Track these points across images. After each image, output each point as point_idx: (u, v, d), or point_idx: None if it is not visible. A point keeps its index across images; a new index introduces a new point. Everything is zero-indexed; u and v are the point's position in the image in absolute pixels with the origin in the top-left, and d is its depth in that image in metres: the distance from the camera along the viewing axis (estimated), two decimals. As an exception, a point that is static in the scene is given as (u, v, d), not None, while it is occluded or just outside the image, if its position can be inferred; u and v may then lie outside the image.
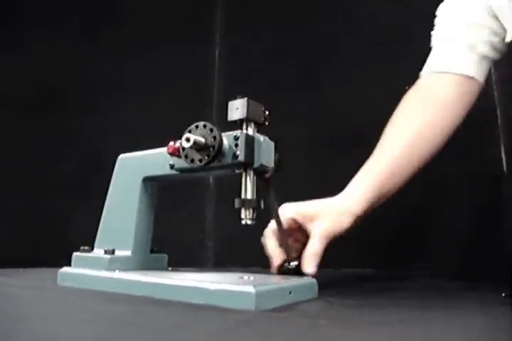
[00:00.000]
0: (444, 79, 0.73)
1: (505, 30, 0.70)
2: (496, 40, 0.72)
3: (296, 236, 0.66)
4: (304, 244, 0.63)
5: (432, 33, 0.77)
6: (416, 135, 0.72)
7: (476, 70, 0.73)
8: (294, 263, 0.60)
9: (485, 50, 0.72)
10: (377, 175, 0.69)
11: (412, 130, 0.72)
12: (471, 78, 0.73)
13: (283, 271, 0.61)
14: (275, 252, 0.62)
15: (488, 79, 1.08)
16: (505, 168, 1.03)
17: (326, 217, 0.63)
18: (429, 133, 0.72)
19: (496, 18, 0.70)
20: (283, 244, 0.62)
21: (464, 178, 1.04)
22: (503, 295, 0.58)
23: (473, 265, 0.95)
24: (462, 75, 0.72)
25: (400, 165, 0.70)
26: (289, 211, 0.66)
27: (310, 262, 0.59)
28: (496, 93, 1.07)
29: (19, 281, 0.67)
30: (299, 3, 1.27)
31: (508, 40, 0.69)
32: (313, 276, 0.59)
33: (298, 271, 0.60)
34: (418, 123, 0.72)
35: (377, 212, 1.09)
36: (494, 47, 0.73)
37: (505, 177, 1.02)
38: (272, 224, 0.65)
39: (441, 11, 0.76)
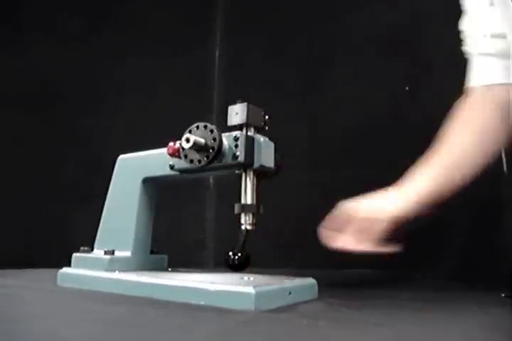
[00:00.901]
0: (493, 91, 0.76)
1: None
2: None
3: None
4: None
5: (465, 47, 0.80)
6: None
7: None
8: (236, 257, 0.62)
9: None
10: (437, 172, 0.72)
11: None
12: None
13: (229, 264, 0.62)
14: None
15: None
16: (505, 168, 1.03)
17: (392, 206, 0.66)
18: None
19: None
20: None
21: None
22: (503, 295, 0.58)
23: (473, 265, 0.95)
24: (501, 84, 0.75)
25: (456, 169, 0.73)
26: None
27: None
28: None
29: (19, 282, 0.67)
30: (299, 4, 1.27)
31: None
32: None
33: (241, 265, 0.61)
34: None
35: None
36: None
37: (505, 177, 1.02)
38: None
39: (465, 26, 0.79)
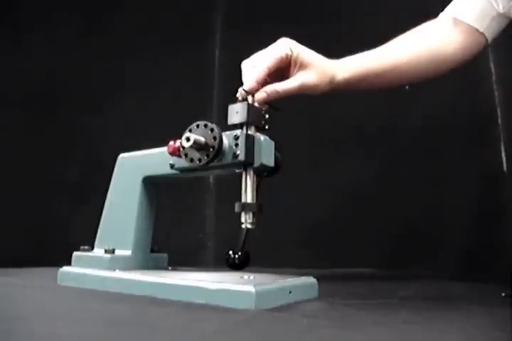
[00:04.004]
0: (456, 25, 0.75)
1: None
2: None
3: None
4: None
5: None
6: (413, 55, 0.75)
7: (488, 26, 0.74)
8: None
9: (506, 7, 0.72)
10: (372, 62, 0.72)
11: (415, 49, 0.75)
12: (481, 33, 0.74)
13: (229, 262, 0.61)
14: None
15: (488, 79, 1.09)
16: (505, 168, 1.03)
17: (313, 71, 0.64)
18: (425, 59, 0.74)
19: None
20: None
21: (464, 178, 1.04)
22: (503, 295, 0.58)
23: (473, 265, 0.96)
24: (473, 27, 0.74)
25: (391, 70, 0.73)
26: (290, 47, 0.67)
27: (265, 93, 0.60)
28: (496, 93, 1.07)
29: (19, 281, 0.67)
30: (299, 4, 1.27)
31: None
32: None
33: (241, 264, 0.61)
34: (419, 47, 0.75)
35: (378, 212, 1.10)
36: None
37: (505, 177, 1.03)
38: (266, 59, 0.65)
39: None
